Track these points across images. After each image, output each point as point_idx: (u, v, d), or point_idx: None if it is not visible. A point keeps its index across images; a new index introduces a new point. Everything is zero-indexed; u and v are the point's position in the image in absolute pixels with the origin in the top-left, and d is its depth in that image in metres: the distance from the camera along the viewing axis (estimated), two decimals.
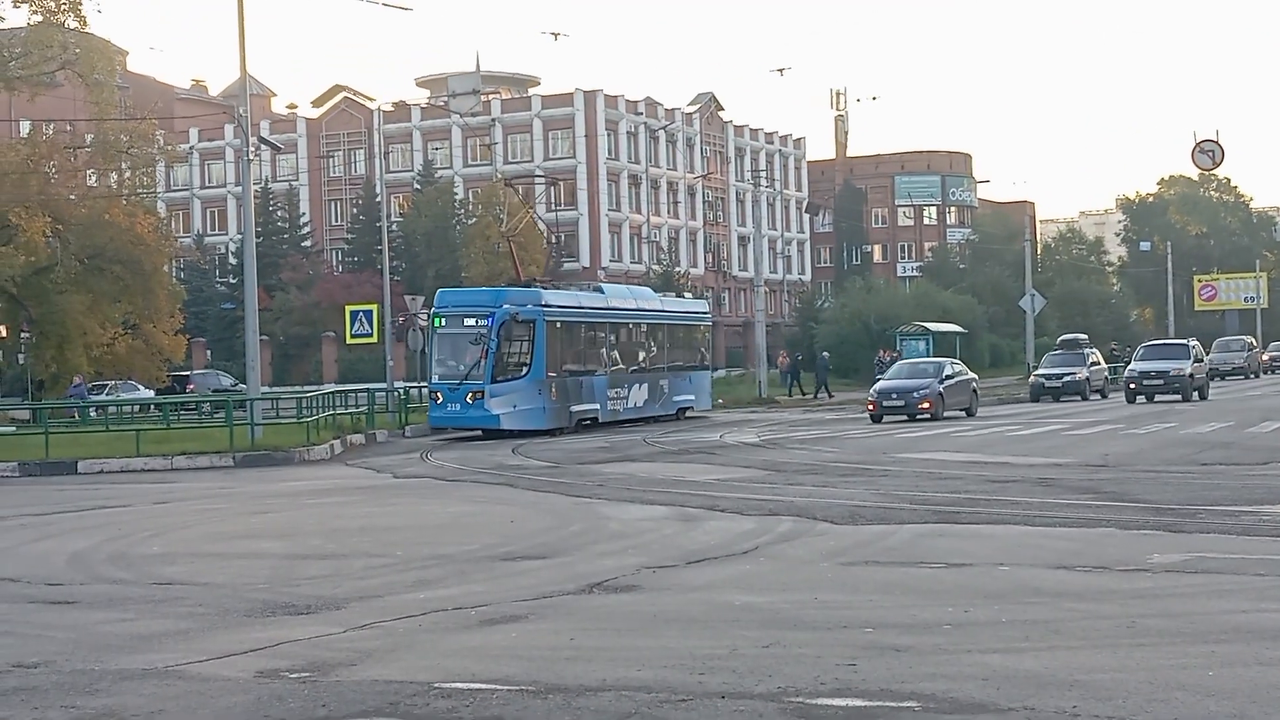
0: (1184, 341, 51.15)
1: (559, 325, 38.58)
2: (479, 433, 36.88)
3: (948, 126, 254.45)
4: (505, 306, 36.23)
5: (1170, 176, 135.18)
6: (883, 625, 10.07)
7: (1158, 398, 46.59)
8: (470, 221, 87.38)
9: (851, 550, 14.16)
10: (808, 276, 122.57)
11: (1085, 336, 59.18)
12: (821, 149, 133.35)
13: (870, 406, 40.16)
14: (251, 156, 35.90)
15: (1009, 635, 9.69)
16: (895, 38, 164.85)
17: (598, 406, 40.55)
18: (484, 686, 8.44)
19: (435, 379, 36.80)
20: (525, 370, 36.70)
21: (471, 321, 36.27)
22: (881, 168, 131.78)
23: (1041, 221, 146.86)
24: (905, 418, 39.23)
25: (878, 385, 41.90)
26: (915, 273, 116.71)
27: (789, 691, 8.10)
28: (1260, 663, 8.69)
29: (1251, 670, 8.49)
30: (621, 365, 42.52)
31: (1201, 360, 49.02)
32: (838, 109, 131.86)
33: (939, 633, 9.78)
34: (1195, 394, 46.60)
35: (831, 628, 10.05)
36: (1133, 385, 47.20)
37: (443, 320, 36.74)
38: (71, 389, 42.96)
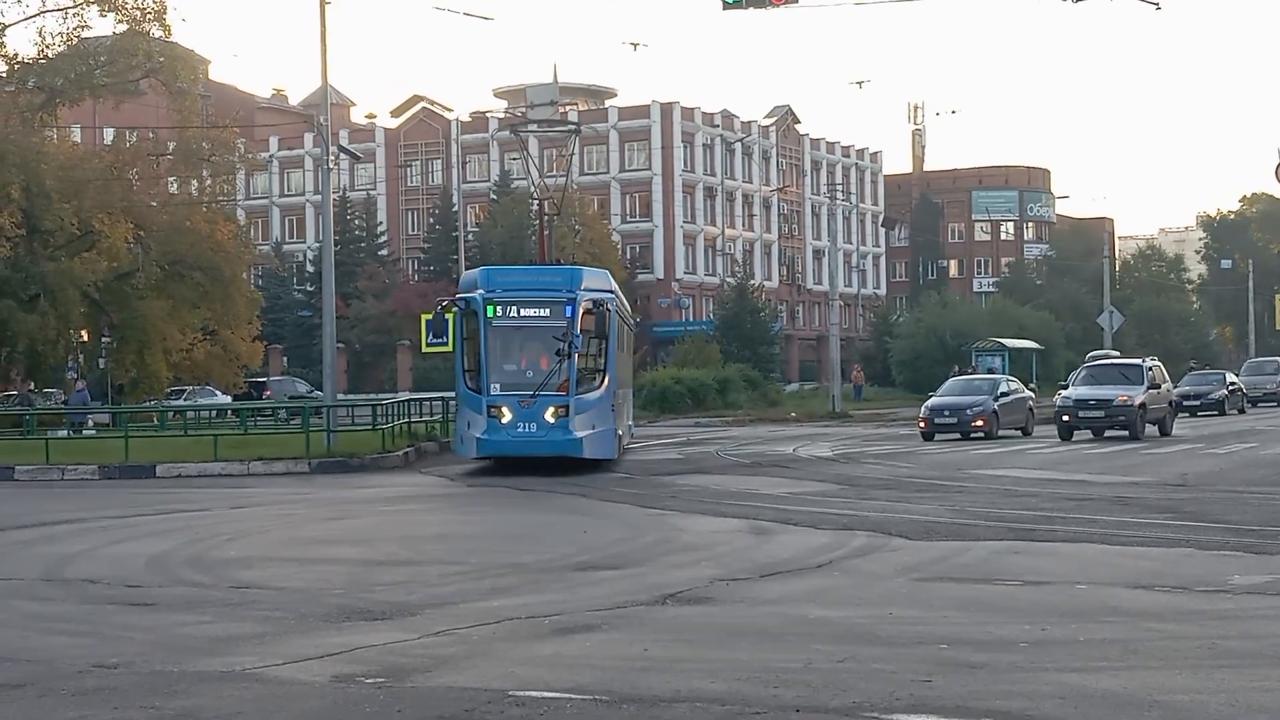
0: (1137, 361, 39.97)
1: (621, 319, 30.77)
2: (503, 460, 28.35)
3: (1026, 141, 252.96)
4: (584, 290, 27.39)
5: (1252, 194, 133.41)
6: (958, 642, 10.01)
7: (1106, 433, 36.07)
8: (546, 232, 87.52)
9: (926, 566, 14.09)
10: (883, 291, 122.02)
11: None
12: (898, 163, 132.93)
13: (921, 424, 38.49)
14: (331, 165, 36.11)
15: (1086, 654, 9.60)
16: (974, 51, 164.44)
17: (630, 426, 35.42)
18: (558, 695, 8.46)
19: (495, 389, 26.63)
20: (600, 380, 27.66)
21: (544, 310, 27.19)
22: (959, 182, 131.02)
23: (1120, 238, 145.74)
24: (958, 435, 37.67)
25: (930, 402, 39.92)
26: (991, 288, 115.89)
27: (864, 706, 8.07)
28: None
29: None
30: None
31: (1159, 385, 37.58)
32: (915, 123, 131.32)
33: (1015, 650, 9.72)
34: (1153, 428, 36.61)
35: (906, 643, 10.00)
36: (1066, 418, 35.91)
37: (498, 308, 27.01)
38: (74, 395, 43.11)
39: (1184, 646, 9.83)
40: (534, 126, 34.50)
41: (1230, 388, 53.78)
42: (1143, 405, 35.80)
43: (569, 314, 26.74)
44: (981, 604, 11.88)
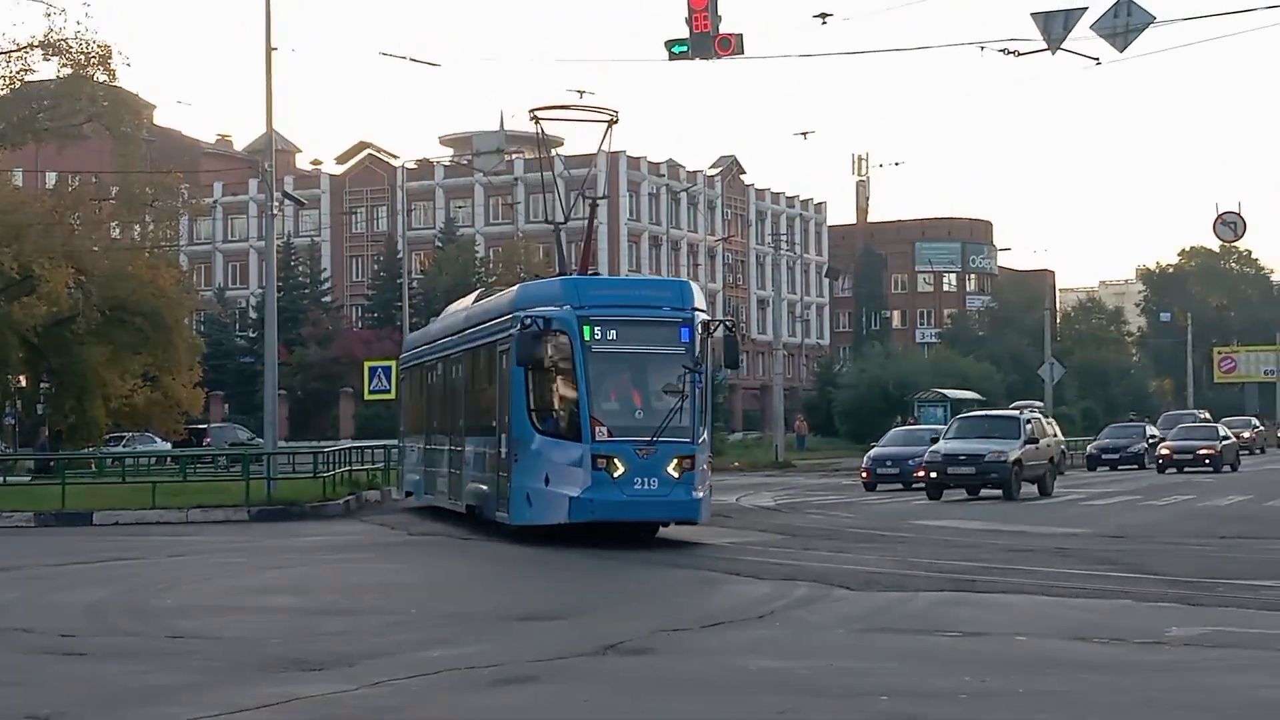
0: (1013, 414, 38.23)
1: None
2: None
3: (969, 194, 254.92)
4: (696, 309, 21.97)
5: (1191, 248, 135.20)
6: (899, 693, 10.00)
7: (982, 492, 33.50)
8: (491, 279, 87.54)
9: (868, 617, 14.09)
10: (826, 341, 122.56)
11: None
12: (843, 214, 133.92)
13: (864, 474, 38.31)
14: (275, 211, 36.03)
15: (1026, 706, 9.62)
16: (919, 104, 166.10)
17: None
18: None
19: (602, 434, 20.60)
20: (705, 422, 22.03)
21: (656, 333, 21.48)
22: (902, 233, 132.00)
23: (1061, 290, 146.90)
24: (900, 486, 37.41)
25: (872, 452, 39.81)
26: (934, 339, 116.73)
27: None
28: None
29: None
30: None
31: (1038, 440, 35.16)
32: (860, 174, 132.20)
33: (956, 702, 9.72)
34: (1031, 486, 34.26)
35: (848, 694, 9.98)
36: (934, 475, 33.26)
37: (597, 330, 20.98)
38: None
39: (1122, 699, 9.87)
40: (561, 114, 25.78)
41: (1151, 440, 52.43)
42: (1018, 461, 33.14)
43: (686, 338, 21.34)
44: (922, 655, 11.88)
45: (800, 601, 15.23)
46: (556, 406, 21.38)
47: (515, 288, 24.66)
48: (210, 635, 13.24)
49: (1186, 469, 46.15)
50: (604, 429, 20.62)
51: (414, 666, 11.14)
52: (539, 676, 10.77)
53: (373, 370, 45.42)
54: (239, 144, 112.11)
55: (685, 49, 25.40)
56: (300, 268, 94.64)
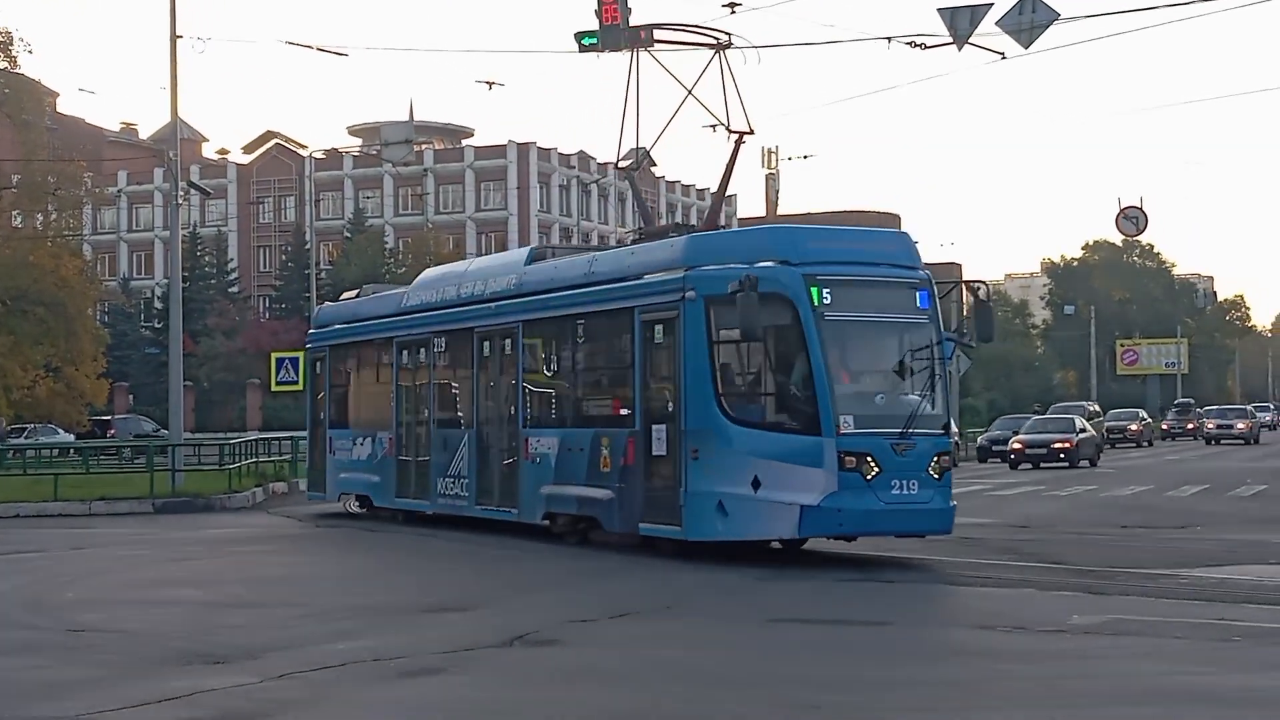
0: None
1: None
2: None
3: (877, 187, 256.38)
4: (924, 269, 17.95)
5: (1094, 241, 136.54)
6: (804, 682, 10.05)
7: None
8: (400, 270, 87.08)
9: (776, 607, 14.14)
10: None
11: None
12: (753, 206, 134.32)
13: None
14: (180, 201, 35.45)
15: (929, 695, 9.70)
16: (828, 98, 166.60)
17: None
18: None
19: (848, 425, 16.29)
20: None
21: (896, 298, 17.32)
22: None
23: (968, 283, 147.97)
24: None
25: None
26: None
27: None
28: None
29: None
30: None
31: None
32: (769, 167, 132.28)
33: (860, 691, 9.78)
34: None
35: (754, 684, 10.02)
36: None
37: (830, 293, 16.58)
38: None
39: (1025, 687, 9.98)
40: (671, 34, 20.48)
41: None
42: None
43: (925, 303, 17.33)
44: (829, 645, 11.97)
45: (710, 590, 15.30)
46: (769, 390, 17.04)
47: (681, 238, 18.60)
48: (112, 629, 13.09)
49: (1042, 464, 43.70)
50: (849, 418, 16.34)
51: (319, 659, 11.04)
52: (445, 668, 10.73)
53: (280, 361, 44.97)
54: (144, 133, 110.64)
55: (595, 41, 25.30)
56: (206, 258, 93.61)
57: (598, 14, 25.31)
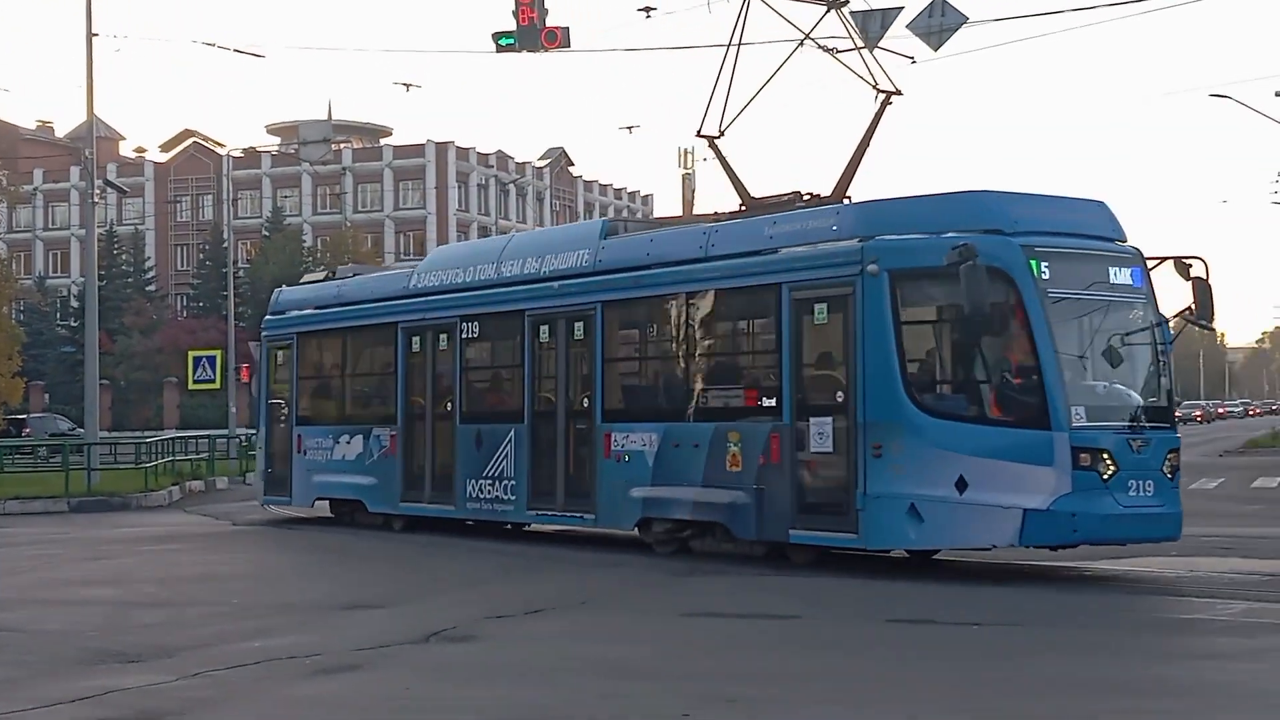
0: None
1: None
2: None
3: (792, 186, 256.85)
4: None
5: None
6: (719, 676, 10.05)
7: None
8: (319, 268, 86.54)
9: (689, 601, 14.15)
10: None
11: None
12: (669, 206, 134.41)
13: None
14: (96, 199, 35.11)
15: (843, 686, 9.73)
16: (742, 99, 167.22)
17: None
18: None
19: (1080, 417, 14.16)
20: None
21: (1117, 274, 15.10)
22: None
23: None
24: None
25: None
26: None
27: None
28: None
29: None
30: None
31: None
32: (685, 167, 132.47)
33: (774, 684, 9.79)
34: None
35: (669, 678, 10.00)
36: None
37: (1046, 268, 14.51)
38: None
39: (940, 678, 10.02)
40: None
41: None
42: None
43: (1140, 280, 15.29)
44: (743, 639, 11.98)
45: (627, 587, 15.30)
46: (978, 376, 14.75)
47: (850, 205, 16.55)
48: (24, 628, 12.88)
49: None
50: (1080, 410, 14.21)
51: (234, 657, 10.92)
52: (361, 665, 10.64)
53: (197, 360, 44.67)
54: (60, 131, 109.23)
55: (512, 41, 25.30)
56: (123, 256, 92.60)
57: (515, 15, 25.32)
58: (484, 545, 19.75)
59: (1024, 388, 14.30)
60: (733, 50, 18.79)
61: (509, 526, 20.77)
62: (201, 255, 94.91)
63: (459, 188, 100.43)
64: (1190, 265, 15.85)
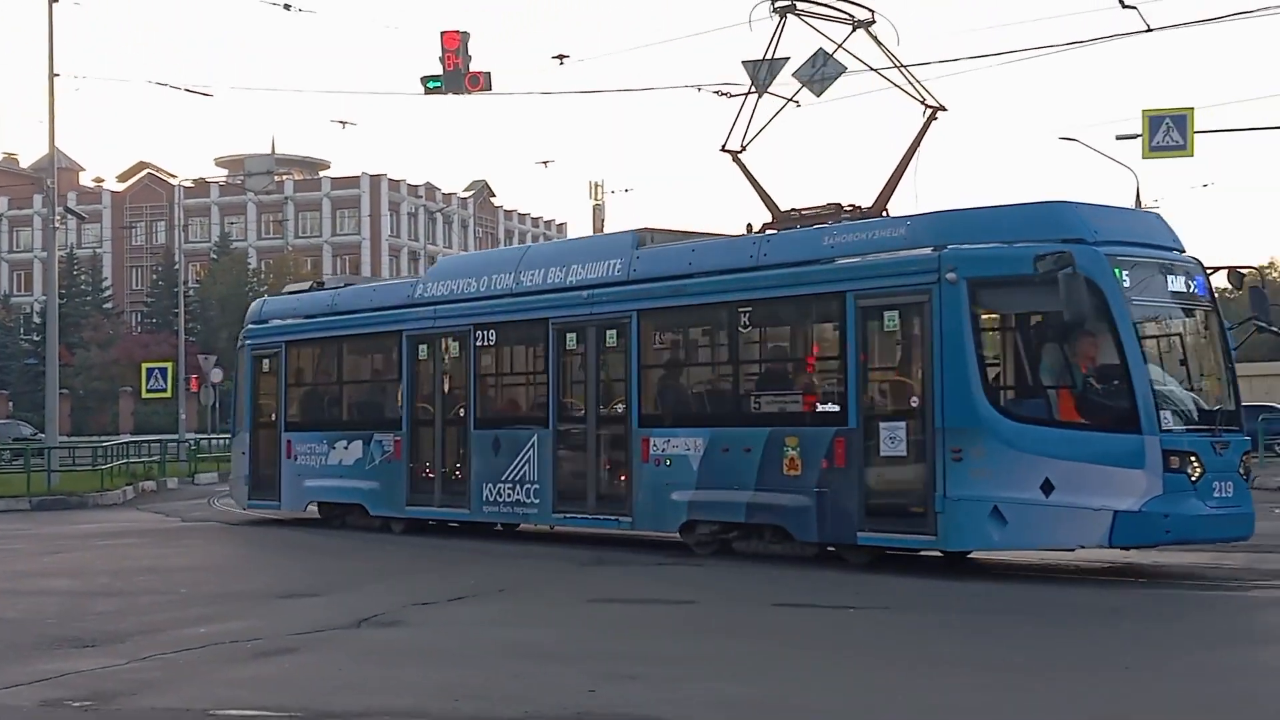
0: None
1: None
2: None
3: (694, 218, 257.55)
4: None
5: None
6: (622, 657, 10.03)
7: None
8: (262, 288, 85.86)
9: (595, 589, 14.14)
10: None
11: None
12: (582, 233, 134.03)
13: None
14: (57, 225, 34.56)
15: (734, 666, 9.73)
16: (647, 137, 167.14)
17: None
18: (256, 713, 8.19)
19: (1169, 421, 13.34)
20: None
21: (1184, 283, 14.26)
22: None
23: None
24: None
25: None
26: None
27: (534, 716, 8.02)
28: None
29: None
30: None
31: None
32: (596, 199, 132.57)
33: (670, 663, 9.79)
34: None
35: (576, 659, 9.97)
36: None
37: (1133, 275, 13.74)
38: None
39: (809, 656, 10.07)
40: (814, 8, 17.10)
41: None
42: None
43: (1203, 289, 14.44)
44: (645, 623, 12.00)
45: (540, 576, 15.26)
46: (1063, 382, 13.76)
47: (922, 214, 15.10)
48: None
49: None
50: (1166, 414, 13.36)
51: (181, 642, 10.78)
52: (298, 648, 10.53)
53: (150, 371, 44.12)
54: (24, 161, 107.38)
55: (439, 85, 25.29)
56: (82, 277, 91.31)
57: (442, 61, 25.31)
58: (411, 541, 19.62)
59: (1113, 393, 13.42)
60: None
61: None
62: (154, 276, 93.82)
63: (391, 216, 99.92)
64: (1245, 275, 15.48)
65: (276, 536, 21.00)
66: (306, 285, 24.64)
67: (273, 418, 22.81)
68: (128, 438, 48.51)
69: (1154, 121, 19.53)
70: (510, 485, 18.29)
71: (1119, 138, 33.82)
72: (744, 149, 17.43)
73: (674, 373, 17.38)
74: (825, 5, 17.02)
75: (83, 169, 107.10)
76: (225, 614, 12.50)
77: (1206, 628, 11.38)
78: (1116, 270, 13.50)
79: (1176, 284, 14.13)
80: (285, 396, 22.64)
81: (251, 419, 23.28)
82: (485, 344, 19.14)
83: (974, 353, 13.75)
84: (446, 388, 19.67)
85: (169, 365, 45.48)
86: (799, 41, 18.43)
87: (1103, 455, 13.24)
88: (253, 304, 24.67)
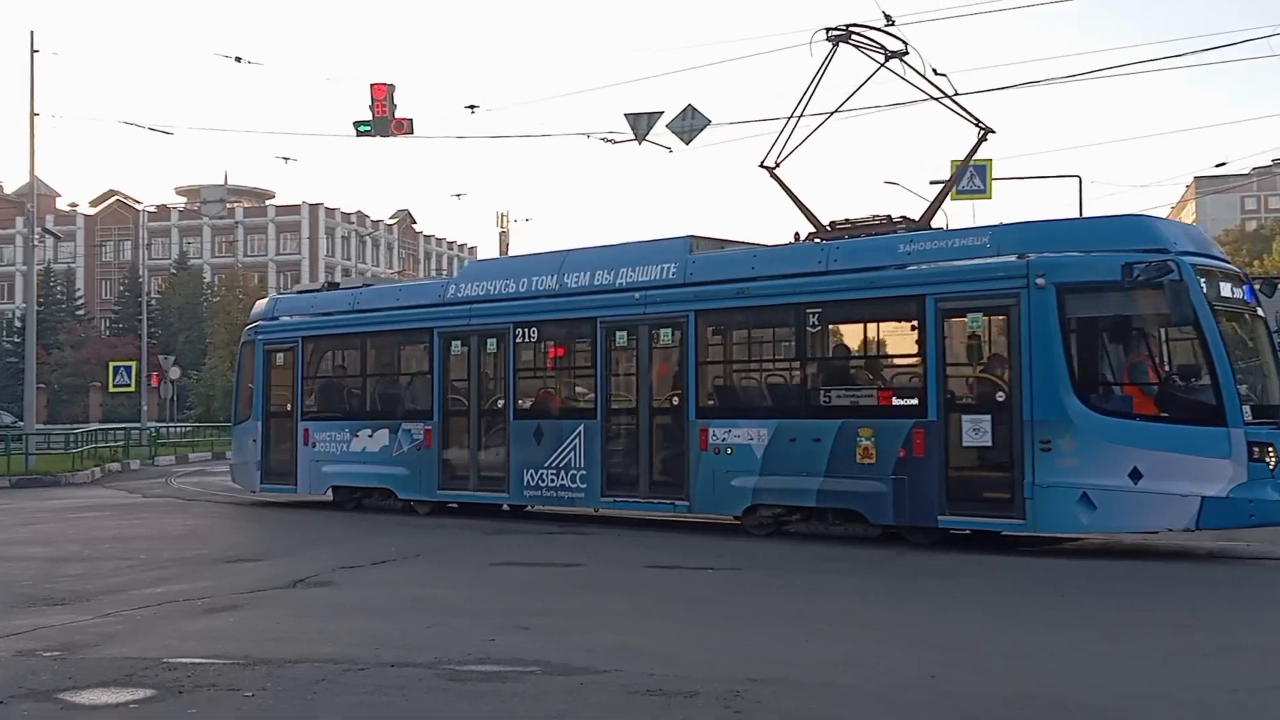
0: None
1: None
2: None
3: (579, 242, 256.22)
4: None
5: None
6: (519, 609, 9.98)
7: None
8: (215, 299, 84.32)
9: (497, 554, 14.05)
10: None
11: None
12: (489, 254, 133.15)
13: None
14: (37, 243, 33.80)
15: (611, 618, 9.73)
16: (545, 173, 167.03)
17: None
18: (203, 661, 8.01)
19: (1249, 414, 12.52)
20: None
21: (1243, 291, 13.58)
22: None
23: None
24: None
25: None
26: None
27: (443, 661, 7.95)
28: None
29: None
30: None
31: None
32: (502, 226, 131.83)
33: (559, 615, 9.75)
34: None
35: (480, 613, 9.90)
36: None
37: (1213, 284, 12.96)
38: None
39: (681, 611, 10.09)
40: (854, 36, 15.93)
41: None
42: None
43: (1251, 296, 13.79)
44: (536, 582, 11.95)
45: (450, 543, 15.13)
46: (1150, 379, 12.95)
47: (999, 225, 14.09)
48: None
49: None
50: (1246, 408, 12.57)
51: (139, 601, 10.55)
52: (241, 605, 10.34)
53: (116, 369, 42.96)
54: (8, 188, 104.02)
55: (369, 129, 24.99)
56: (58, 288, 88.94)
57: (371, 109, 24.99)
58: (339, 513, 19.36)
59: (1198, 389, 12.53)
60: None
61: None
62: (121, 288, 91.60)
63: (327, 238, 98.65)
64: (1277, 284, 15.13)
65: (224, 511, 20.56)
66: (319, 285, 22.88)
67: (287, 407, 20.79)
68: (96, 426, 47.24)
69: (960, 170, 19.95)
70: (554, 472, 16.89)
71: (931, 182, 34.44)
72: (779, 165, 16.26)
73: (735, 368, 16.07)
74: (867, 38, 15.93)
75: (59, 195, 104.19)
76: (178, 576, 12.25)
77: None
78: (1204, 278, 12.76)
79: (1236, 290, 13.37)
80: (301, 388, 20.67)
81: (263, 409, 21.21)
82: (525, 340, 17.64)
83: (1062, 351, 12.83)
84: (483, 381, 18.15)
85: (133, 364, 44.32)
86: (847, 64, 17.50)
87: (1190, 446, 12.37)
88: (260, 303, 22.68)
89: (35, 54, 31.68)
